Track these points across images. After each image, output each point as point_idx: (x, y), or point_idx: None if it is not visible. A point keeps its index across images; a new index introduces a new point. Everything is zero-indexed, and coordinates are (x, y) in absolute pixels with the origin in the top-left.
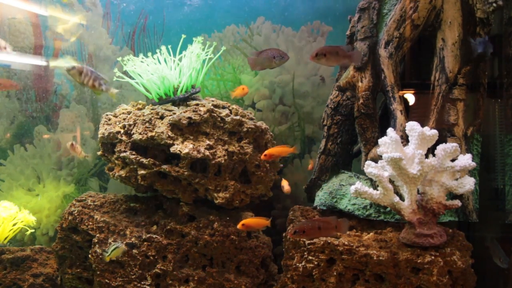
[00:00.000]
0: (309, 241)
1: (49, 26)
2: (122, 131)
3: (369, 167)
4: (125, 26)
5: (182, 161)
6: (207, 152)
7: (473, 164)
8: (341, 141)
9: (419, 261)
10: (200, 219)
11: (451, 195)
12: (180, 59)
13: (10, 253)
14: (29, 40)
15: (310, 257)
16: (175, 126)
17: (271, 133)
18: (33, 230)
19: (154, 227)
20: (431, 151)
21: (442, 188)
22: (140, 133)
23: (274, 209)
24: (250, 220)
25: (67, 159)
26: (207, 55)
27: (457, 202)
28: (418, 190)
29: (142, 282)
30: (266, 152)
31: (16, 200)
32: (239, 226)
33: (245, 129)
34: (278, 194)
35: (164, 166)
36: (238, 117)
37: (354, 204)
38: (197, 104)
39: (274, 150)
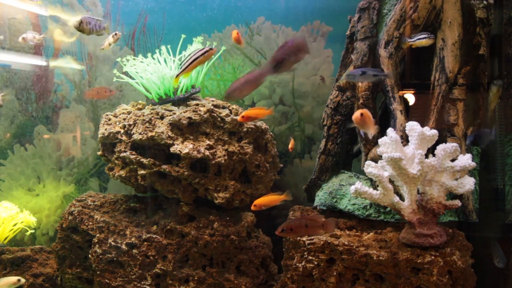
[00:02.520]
0: (309, 241)
1: (49, 26)
2: (122, 131)
3: (369, 167)
4: (125, 26)
5: (182, 161)
6: (207, 152)
7: (473, 164)
8: (341, 141)
9: (419, 261)
10: (200, 219)
11: (451, 195)
12: (180, 59)
13: (10, 253)
14: None
15: (310, 257)
16: (175, 126)
17: (271, 133)
18: (33, 231)
19: (154, 227)
20: (431, 151)
21: (442, 188)
22: (140, 133)
23: (274, 209)
24: (263, 199)
25: (67, 159)
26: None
27: (457, 202)
28: (418, 190)
29: (142, 282)
30: (243, 114)
31: (16, 200)
32: (252, 207)
33: (245, 129)
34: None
35: (164, 166)
36: (238, 117)
37: (354, 204)
38: (197, 104)
39: (251, 112)
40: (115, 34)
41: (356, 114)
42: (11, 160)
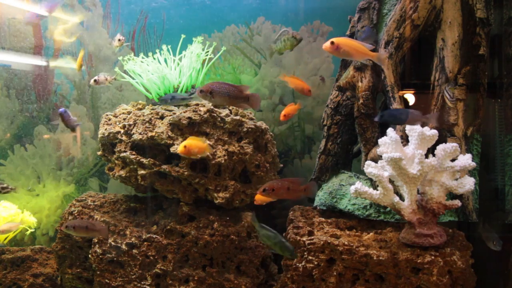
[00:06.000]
0: (309, 241)
1: (49, 26)
2: (122, 131)
3: (369, 167)
4: (125, 26)
5: (182, 161)
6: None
7: (473, 164)
8: (341, 141)
9: (419, 261)
10: (200, 219)
11: (451, 195)
12: (180, 59)
13: (10, 253)
14: (29, 40)
15: (310, 257)
16: (175, 126)
17: (271, 133)
18: (33, 230)
19: (154, 227)
20: (431, 151)
21: (442, 188)
22: (140, 133)
23: (274, 209)
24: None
25: (67, 159)
26: (207, 55)
27: (457, 202)
28: (418, 190)
29: (142, 282)
30: None
31: (16, 200)
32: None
33: (245, 129)
34: None
35: (164, 166)
36: (238, 117)
37: (354, 204)
38: (197, 104)
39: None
40: (119, 39)
41: (326, 44)
42: (11, 160)
